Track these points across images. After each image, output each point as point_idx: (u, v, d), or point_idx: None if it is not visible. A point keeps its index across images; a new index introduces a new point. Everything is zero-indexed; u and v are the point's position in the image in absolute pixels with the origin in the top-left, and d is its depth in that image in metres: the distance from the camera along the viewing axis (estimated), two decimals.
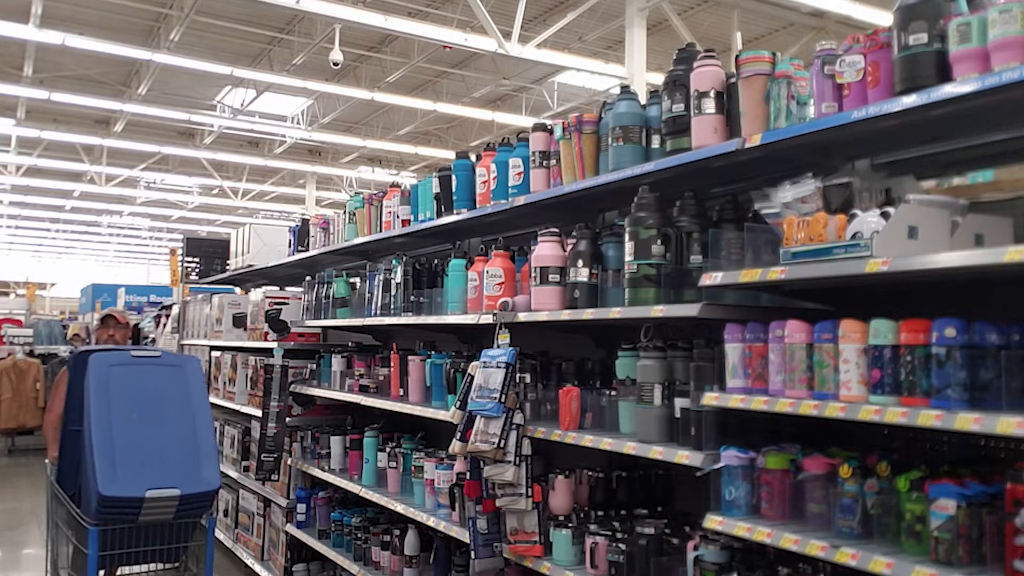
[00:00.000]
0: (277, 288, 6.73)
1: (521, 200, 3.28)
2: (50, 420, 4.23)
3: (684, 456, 2.37)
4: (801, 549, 2.01)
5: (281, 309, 5.56)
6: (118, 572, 4.02)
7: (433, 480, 3.76)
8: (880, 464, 1.99)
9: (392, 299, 4.19)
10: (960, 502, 1.76)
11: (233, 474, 6.24)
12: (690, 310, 2.39)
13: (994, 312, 1.88)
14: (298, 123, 16.70)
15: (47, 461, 3.94)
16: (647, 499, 3.01)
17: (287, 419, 5.22)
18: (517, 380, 3.11)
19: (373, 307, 4.41)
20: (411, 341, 4.46)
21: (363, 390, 4.47)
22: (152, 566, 3.55)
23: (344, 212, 5.09)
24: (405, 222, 4.29)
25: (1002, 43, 1.78)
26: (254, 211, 25.00)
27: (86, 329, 20.27)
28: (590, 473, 3.07)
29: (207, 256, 8.62)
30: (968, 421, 1.69)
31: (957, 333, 1.80)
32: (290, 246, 6.26)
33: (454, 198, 3.77)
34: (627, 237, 2.64)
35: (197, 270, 8.55)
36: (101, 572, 3.38)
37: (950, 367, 1.79)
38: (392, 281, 4.20)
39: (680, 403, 2.51)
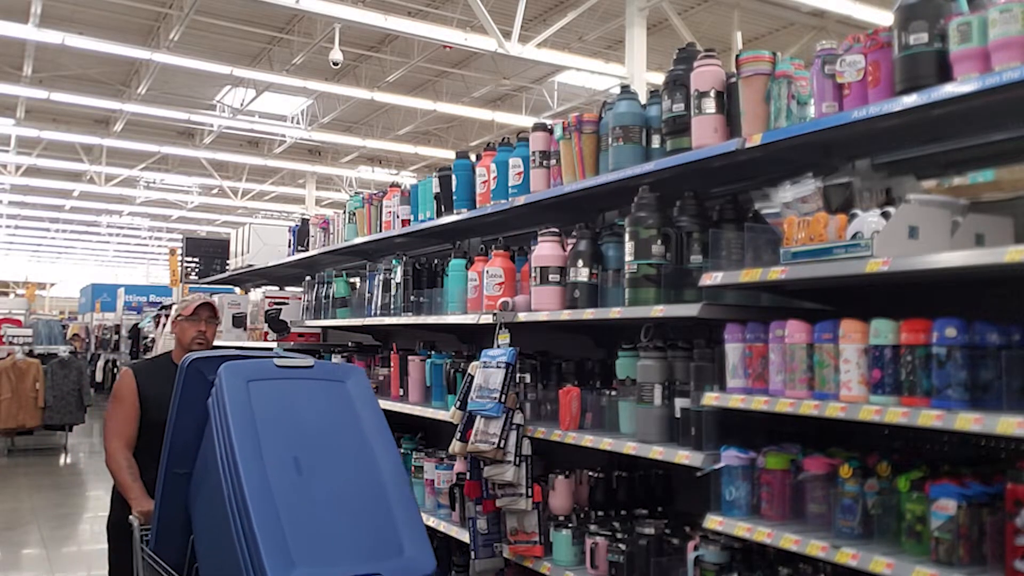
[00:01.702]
0: (277, 288, 6.73)
1: (521, 200, 3.27)
2: (117, 453, 3.02)
3: (684, 456, 2.37)
4: (801, 549, 2.01)
5: (281, 309, 5.56)
6: None
7: (433, 480, 3.76)
8: (880, 464, 1.99)
9: (392, 299, 4.19)
10: (960, 502, 1.76)
11: None
12: (690, 310, 2.39)
13: (994, 312, 1.88)
14: (298, 123, 16.69)
15: (133, 517, 2.78)
16: (647, 499, 3.00)
17: None
18: (517, 380, 3.11)
19: (373, 307, 4.40)
20: (411, 341, 4.46)
21: None
22: None
23: (344, 212, 5.09)
24: (405, 222, 4.29)
25: (1003, 43, 1.78)
26: (254, 211, 24.99)
27: (85, 329, 20.30)
28: (590, 473, 3.07)
29: (207, 256, 8.62)
30: (968, 421, 1.69)
31: (957, 333, 1.80)
32: (290, 246, 6.26)
33: (454, 198, 3.77)
34: (627, 237, 2.64)
35: (197, 270, 8.55)
36: None
37: (950, 367, 1.79)
38: (392, 281, 4.20)
39: (680, 403, 2.51)
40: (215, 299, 3.48)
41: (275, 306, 5.56)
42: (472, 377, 3.14)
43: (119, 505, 3.04)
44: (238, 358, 2.50)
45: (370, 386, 2.66)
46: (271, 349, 5.35)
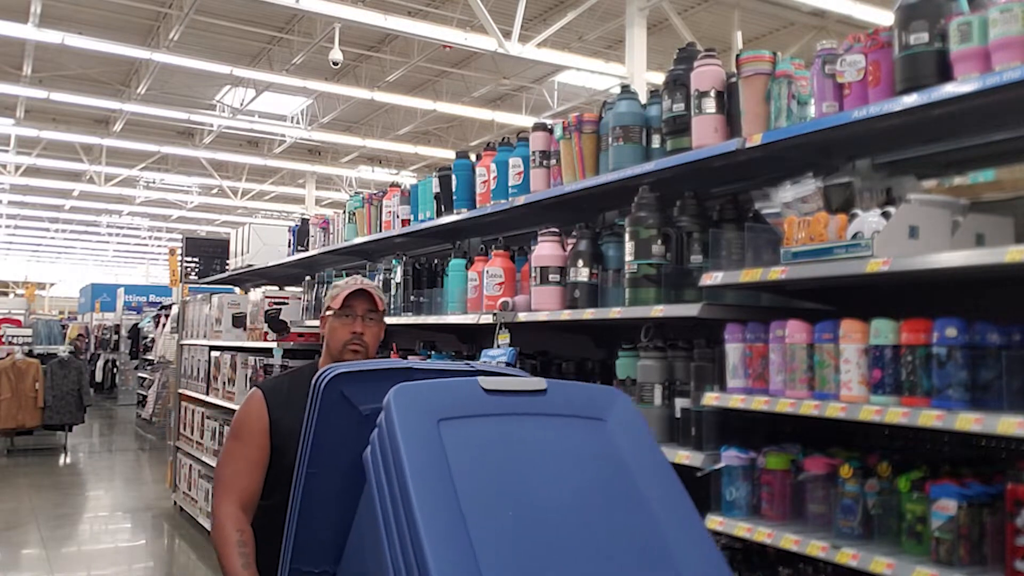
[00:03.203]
0: (277, 288, 6.73)
1: (521, 200, 3.27)
2: (226, 522, 2.02)
3: (684, 456, 2.37)
4: (802, 549, 2.00)
5: (281, 309, 5.55)
6: None
7: None
8: (881, 464, 1.99)
9: (392, 299, 4.18)
10: (961, 502, 1.76)
11: None
12: (690, 310, 2.38)
13: (995, 312, 1.88)
14: (298, 123, 16.69)
15: None
16: None
17: None
18: None
19: None
20: (411, 341, 4.46)
21: None
22: None
23: (344, 212, 5.09)
24: (405, 222, 4.29)
25: (1003, 42, 1.78)
26: (253, 211, 24.98)
27: (86, 328, 20.29)
28: None
29: (206, 256, 8.61)
30: (969, 421, 1.69)
31: (958, 333, 1.79)
32: (290, 246, 6.26)
33: (454, 198, 3.77)
34: (627, 237, 2.64)
35: (196, 270, 8.54)
36: None
37: (951, 367, 1.79)
38: (392, 281, 4.20)
39: (680, 403, 2.51)
40: (373, 286, 2.37)
41: (275, 306, 5.56)
42: None
43: None
44: (412, 373, 1.57)
45: (644, 423, 1.53)
46: (270, 349, 5.33)
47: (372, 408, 1.44)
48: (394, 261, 4.21)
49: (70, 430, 11.82)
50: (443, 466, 1.26)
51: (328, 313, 2.34)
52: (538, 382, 1.46)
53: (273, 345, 5.35)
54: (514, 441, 1.35)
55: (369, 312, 2.33)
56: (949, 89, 1.84)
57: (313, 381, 1.63)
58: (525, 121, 14.15)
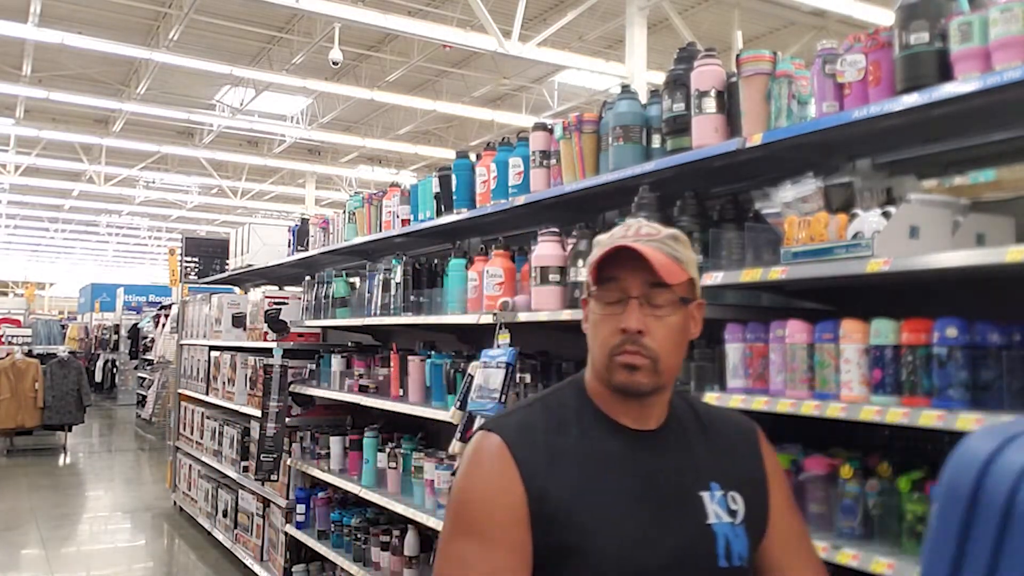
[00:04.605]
0: (276, 288, 6.73)
1: (521, 200, 3.27)
2: None
3: None
4: None
5: (280, 309, 5.55)
6: None
7: (433, 480, 3.75)
8: (881, 464, 1.99)
9: (392, 299, 4.18)
10: None
11: (232, 474, 6.24)
12: None
13: (995, 312, 1.88)
14: (297, 122, 16.68)
15: None
16: None
17: (286, 419, 5.21)
18: (517, 380, 3.11)
19: (373, 307, 4.40)
20: (411, 341, 4.46)
21: (363, 390, 4.47)
22: None
23: (344, 212, 5.09)
24: (405, 222, 4.29)
25: (1003, 42, 1.78)
26: (253, 211, 24.98)
27: (85, 329, 20.28)
28: None
29: (206, 256, 8.62)
30: (969, 421, 1.69)
31: (958, 333, 1.79)
32: (289, 246, 6.25)
33: (454, 198, 3.77)
34: None
35: (196, 270, 8.54)
36: None
37: (951, 367, 1.79)
38: (392, 281, 4.19)
39: None
40: (665, 235, 1.32)
41: (275, 306, 5.56)
42: (472, 377, 3.13)
43: None
44: None
45: None
46: (270, 349, 5.33)
47: None
48: (394, 261, 4.20)
49: (70, 430, 11.82)
50: None
51: (590, 291, 1.32)
52: None
53: (273, 345, 5.35)
54: None
55: (654, 289, 1.25)
56: (949, 89, 1.83)
57: (955, 461, 0.92)
58: (525, 121, 14.14)
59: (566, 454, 1.26)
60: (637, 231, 1.31)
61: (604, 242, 1.32)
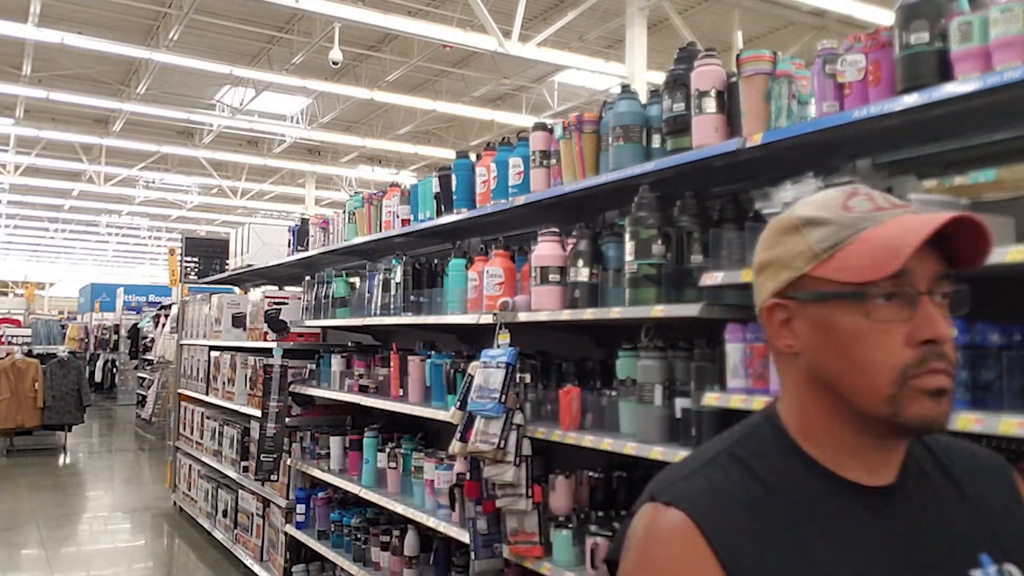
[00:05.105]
0: (276, 288, 6.73)
1: (521, 200, 3.27)
2: None
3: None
4: None
5: (280, 309, 5.55)
6: None
7: (433, 480, 3.75)
8: None
9: (392, 299, 4.18)
10: None
11: (232, 474, 6.24)
12: (691, 310, 2.38)
13: (995, 312, 1.88)
14: (297, 122, 16.68)
15: None
16: None
17: (286, 419, 5.21)
18: (517, 380, 3.10)
19: (373, 307, 4.40)
20: (411, 341, 4.46)
21: (363, 390, 4.47)
22: None
23: (344, 212, 5.09)
24: (405, 222, 4.29)
25: (1004, 42, 1.78)
26: (253, 211, 24.98)
27: (85, 329, 20.27)
28: (590, 474, 3.06)
29: (206, 256, 8.62)
30: (969, 421, 1.69)
31: (958, 333, 1.79)
32: (289, 246, 6.25)
33: (454, 198, 3.77)
34: (627, 237, 2.63)
35: (196, 270, 8.55)
36: None
37: None
38: (392, 281, 4.19)
39: (681, 403, 2.51)
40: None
41: (275, 306, 5.56)
42: (472, 377, 3.13)
43: None
44: None
45: None
46: (270, 349, 5.33)
47: None
48: (394, 261, 4.20)
49: (69, 430, 11.82)
50: None
51: (837, 291, 0.90)
52: None
53: (273, 345, 5.35)
54: None
55: (941, 282, 0.91)
56: (950, 89, 1.83)
57: None
58: (525, 121, 14.14)
59: (779, 531, 0.89)
60: (874, 201, 0.92)
61: (839, 218, 0.90)
